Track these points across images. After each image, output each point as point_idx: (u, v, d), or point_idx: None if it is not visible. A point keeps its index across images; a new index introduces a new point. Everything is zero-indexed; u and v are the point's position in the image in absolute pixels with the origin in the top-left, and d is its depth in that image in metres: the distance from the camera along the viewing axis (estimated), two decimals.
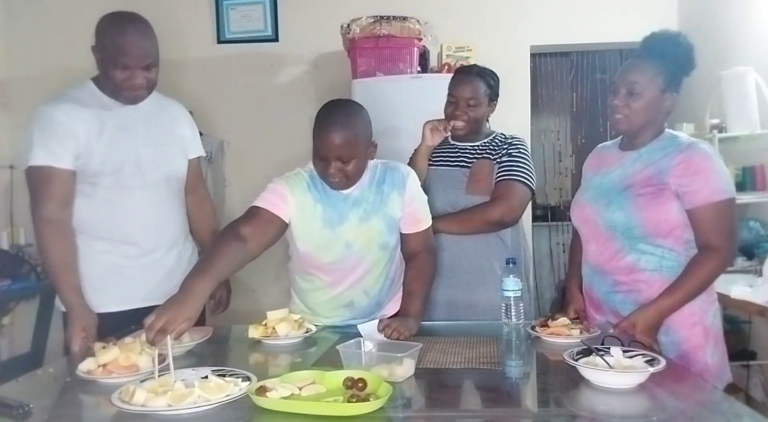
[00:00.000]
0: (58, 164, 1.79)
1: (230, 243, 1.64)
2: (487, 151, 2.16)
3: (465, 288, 2.12)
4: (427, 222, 1.91)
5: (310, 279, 1.91)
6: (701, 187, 1.63)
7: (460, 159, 2.18)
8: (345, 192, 1.81)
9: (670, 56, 1.69)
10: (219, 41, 3.87)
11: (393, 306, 1.94)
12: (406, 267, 1.91)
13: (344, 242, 1.81)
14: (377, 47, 3.34)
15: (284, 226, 1.79)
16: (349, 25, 3.38)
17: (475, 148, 2.18)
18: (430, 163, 2.24)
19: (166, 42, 3.70)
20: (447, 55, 3.50)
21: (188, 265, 2.04)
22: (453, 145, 2.24)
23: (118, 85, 1.83)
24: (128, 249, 1.90)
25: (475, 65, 2.29)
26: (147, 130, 1.93)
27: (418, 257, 1.88)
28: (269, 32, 3.87)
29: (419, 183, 1.91)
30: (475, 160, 2.16)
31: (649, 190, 1.69)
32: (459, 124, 2.14)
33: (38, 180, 1.80)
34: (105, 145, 1.83)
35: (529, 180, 2.12)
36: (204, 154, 2.17)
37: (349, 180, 1.76)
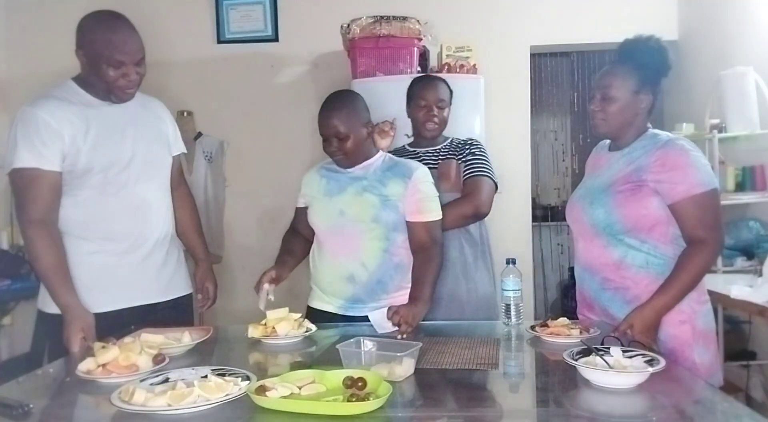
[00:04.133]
0: (45, 166, 1.75)
1: (289, 238, 2.14)
2: (450, 153, 2.29)
3: (442, 281, 2.17)
4: (432, 215, 2.00)
5: (318, 248, 2.07)
6: (679, 182, 1.66)
7: (424, 162, 2.23)
8: (350, 170, 2.01)
9: (641, 59, 1.76)
10: (219, 41, 3.87)
11: (400, 298, 1.97)
12: (414, 258, 1.97)
13: (338, 210, 1.98)
14: (377, 47, 3.34)
15: None
16: (349, 25, 3.38)
17: (437, 151, 2.30)
18: None
19: (166, 42, 3.77)
20: (447, 55, 3.50)
21: (177, 264, 2.05)
22: (413, 151, 2.33)
23: (112, 83, 1.80)
24: (115, 247, 1.88)
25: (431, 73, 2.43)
26: (134, 128, 1.91)
27: (425, 248, 1.95)
28: (269, 32, 3.87)
29: (431, 181, 2.02)
30: (440, 162, 2.27)
31: (628, 187, 1.72)
32: (432, 125, 2.27)
33: (24, 182, 1.76)
34: (91, 144, 1.81)
35: (493, 175, 2.28)
36: (185, 151, 2.16)
37: (349, 156, 1.98)
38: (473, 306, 2.21)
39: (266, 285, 1.92)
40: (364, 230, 1.96)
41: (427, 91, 2.28)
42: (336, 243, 2.00)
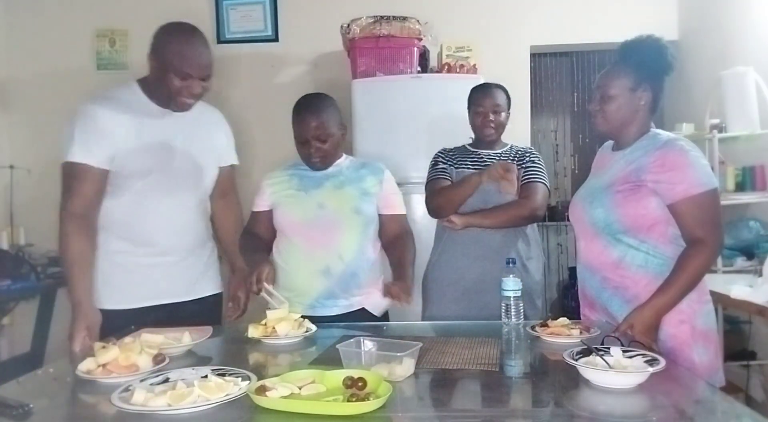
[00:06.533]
0: (94, 163, 1.82)
1: (254, 239, 2.07)
2: (509, 158, 2.41)
3: (498, 273, 2.28)
4: (402, 209, 2.15)
5: (287, 246, 2.04)
6: (678, 182, 1.66)
7: (486, 164, 2.40)
8: (323, 170, 2.05)
9: (639, 57, 1.77)
10: (219, 41, 3.87)
11: (370, 294, 2.04)
12: (390, 249, 2.08)
13: (317, 202, 2.01)
14: (377, 47, 3.35)
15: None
16: (349, 25, 3.38)
17: (498, 155, 2.44)
18: (457, 167, 2.44)
19: None
20: (447, 55, 3.50)
21: (205, 268, 2.08)
22: (476, 152, 2.46)
23: (174, 92, 1.85)
24: (147, 250, 1.93)
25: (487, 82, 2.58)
26: (184, 138, 1.96)
27: (400, 237, 2.07)
28: (269, 32, 3.87)
29: (395, 180, 2.16)
30: None
31: (627, 187, 1.73)
32: (489, 131, 2.39)
33: (71, 176, 1.83)
34: (140, 151, 1.86)
35: (548, 183, 2.44)
36: (237, 163, 2.21)
37: (328, 157, 2.03)
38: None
39: (268, 286, 1.88)
40: (343, 220, 2.00)
41: (482, 99, 2.39)
42: (312, 236, 2.00)
